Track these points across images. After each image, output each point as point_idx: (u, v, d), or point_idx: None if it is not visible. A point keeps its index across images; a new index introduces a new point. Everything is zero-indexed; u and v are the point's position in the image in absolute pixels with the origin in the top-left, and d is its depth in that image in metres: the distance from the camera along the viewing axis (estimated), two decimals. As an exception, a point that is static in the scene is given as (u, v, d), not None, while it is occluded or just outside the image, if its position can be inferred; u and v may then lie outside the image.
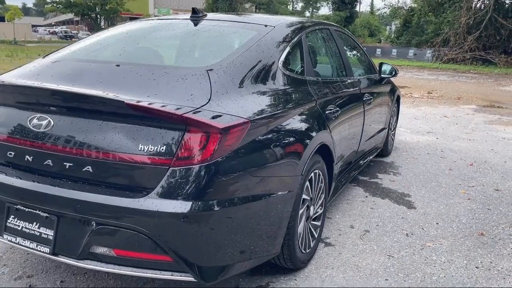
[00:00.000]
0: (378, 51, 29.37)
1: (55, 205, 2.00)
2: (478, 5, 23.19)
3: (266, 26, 2.80)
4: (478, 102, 10.98)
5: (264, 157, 2.13)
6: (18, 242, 2.10)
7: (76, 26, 70.75)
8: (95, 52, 2.71)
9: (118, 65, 2.31)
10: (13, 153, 2.13)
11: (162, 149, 1.85)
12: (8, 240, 2.14)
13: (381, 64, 4.56)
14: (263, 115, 2.15)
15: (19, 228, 2.11)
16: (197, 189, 1.85)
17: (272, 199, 2.19)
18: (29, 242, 2.07)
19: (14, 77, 2.38)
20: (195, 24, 2.91)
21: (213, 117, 1.90)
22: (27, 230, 2.08)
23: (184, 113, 1.84)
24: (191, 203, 1.83)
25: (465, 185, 4.41)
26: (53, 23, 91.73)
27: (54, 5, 55.82)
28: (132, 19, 67.53)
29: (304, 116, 2.56)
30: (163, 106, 1.87)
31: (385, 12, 31.13)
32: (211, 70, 2.20)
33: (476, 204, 3.89)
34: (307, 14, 72.41)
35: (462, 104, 10.47)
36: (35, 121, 2.06)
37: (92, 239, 1.94)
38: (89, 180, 1.97)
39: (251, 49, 2.45)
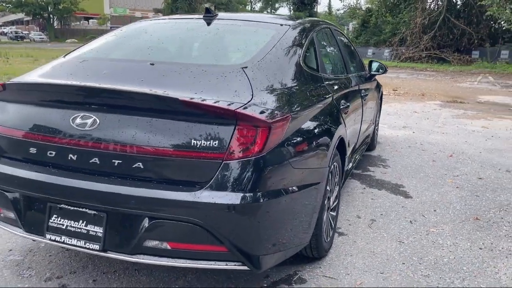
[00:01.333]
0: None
1: (104, 202, 2.02)
2: (432, 6, 24.31)
3: (281, 25, 2.91)
4: (441, 98, 11.55)
5: (301, 150, 2.24)
6: (63, 241, 2.10)
7: (27, 26, 67.91)
8: (121, 51, 2.72)
9: (152, 64, 2.35)
10: (53, 152, 2.13)
11: (215, 144, 1.92)
12: (51, 240, 2.13)
13: (370, 62, 4.79)
14: (298, 110, 2.27)
15: (64, 227, 2.11)
16: (249, 181, 1.93)
17: (309, 190, 2.31)
18: (75, 240, 2.08)
19: (44, 77, 2.37)
20: (211, 24, 2.98)
21: (261, 112, 1.99)
22: (73, 229, 2.09)
23: (236, 109, 1.92)
24: (244, 194, 1.91)
25: (450, 175, 4.70)
26: (0, 23, 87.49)
27: (4, 4, 53.31)
28: (87, 18, 65.70)
29: (326, 111, 2.69)
30: (216, 102, 1.95)
31: (343, 13, 31.92)
32: (246, 67, 2.29)
33: (465, 192, 4.17)
34: (265, 13, 72.81)
35: (427, 100, 10.98)
36: (78, 120, 2.06)
37: (146, 233, 1.98)
38: (140, 176, 2.00)
39: (276, 47, 2.56)
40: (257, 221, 1.96)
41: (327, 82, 2.99)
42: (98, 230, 2.05)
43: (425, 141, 6.30)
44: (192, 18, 3.18)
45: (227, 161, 1.92)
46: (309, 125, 2.38)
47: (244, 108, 1.95)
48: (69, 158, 2.10)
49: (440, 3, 23.45)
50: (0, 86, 2.25)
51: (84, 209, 2.08)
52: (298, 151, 2.21)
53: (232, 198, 1.90)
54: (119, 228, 2.04)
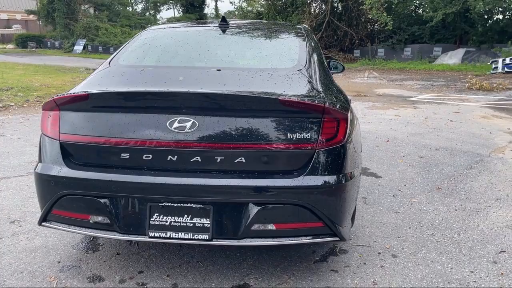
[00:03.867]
0: (233, 52, 30.95)
1: (211, 195, 2.25)
2: (317, 10, 26.37)
3: (296, 32, 3.31)
4: (347, 93, 12.81)
5: (355, 138, 2.69)
6: (169, 236, 2.27)
7: None
8: (171, 58, 2.88)
9: (219, 70, 2.59)
10: (150, 155, 2.28)
11: (308, 136, 2.27)
12: (155, 237, 2.28)
13: (329, 61, 5.38)
14: (347, 103, 2.71)
15: (167, 224, 2.27)
16: (337, 165, 2.33)
17: (359, 171, 2.76)
18: (183, 234, 2.26)
19: (119, 85, 2.46)
20: (235, 31, 3.27)
21: (339, 107, 2.39)
22: (178, 224, 2.27)
23: (324, 104, 2.29)
24: (335, 176, 2.30)
25: (397, 156, 5.53)
26: None
27: None
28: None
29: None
30: (308, 100, 2.29)
31: (235, 15, 32.89)
32: (301, 70, 2.67)
33: (417, 169, 4.99)
34: (147, 15, 71.23)
35: (336, 96, 12.13)
36: (176, 123, 2.24)
37: (254, 218, 2.25)
38: (243, 169, 2.27)
39: (309, 52, 2.96)
40: (344, 197, 2.36)
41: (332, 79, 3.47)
42: (205, 222, 2.26)
43: (361, 131, 7.15)
44: (210, 25, 3.42)
45: (319, 149, 2.28)
46: (352, 116, 2.84)
47: (329, 104, 2.32)
48: (169, 159, 2.27)
49: (324, 7, 25.54)
50: (84, 96, 2.31)
51: (189, 204, 2.27)
52: (355, 138, 2.65)
53: (327, 180, 2.28)
54: (226, 217, 2.27)
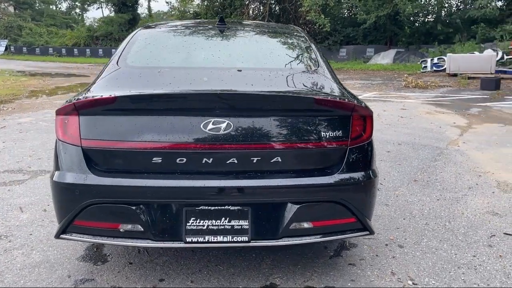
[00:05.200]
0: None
1: (249, 196, 2.23)
2: (256, 11, 26.70)
3: (297, 33, 3.35)
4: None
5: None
6: (208, 240, 2.22)
7: None
8: (184, 59, 2.79)
9: (240, 70, 2.57)
10: (184, 159, 2.21)
11: (339, 134, 2.33)
12: (192, 242, 2.22)
13: None
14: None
15: (205, 228, 2.22)
16: (367, 161, 2.41)
17: None
18: (221, 237, 2.22)
19: (141, 88, 2.35)
20: (237, 31, 3.26)
21: (365, 105, 2.47)
22: (215, 227, 2.23)
23: (353, 103, 2.36)
24: (367, 172, 2.39)
25: (367, 153, 5.77)
26: None
27: None
28: None
29: None
30: (339, 99, 2.35)
31: (171, 15, 32.29)
32: (316, 70, 2.72)
33: (389, 163, 5.25)
34: (72, 13, 68.17)
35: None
36: (210, 125, 2.20)
37: (293, 217, 2.26)
38: (279, 169, 2.27)
39: (316, 52, 3.02)
40: (373, 192, 2.45)
41: None
42: (244, 223, 2.24)
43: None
44: (210, 25, 3.36)
45: (351, 147, 2.35)
46: None
47: (357, 103, 2.40)
48: (204, 162, 2.22)
49: (262, 9, 25.93)
50: (111, 99, 2.19)
51: (226, 207, 2.23)
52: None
53: (359, 176, 2.35)
54: (265, 218, 2.26)
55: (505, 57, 17.96)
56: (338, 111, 2.33)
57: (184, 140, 2.19)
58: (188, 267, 2.75)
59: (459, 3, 23.86)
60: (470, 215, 3.66)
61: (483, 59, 16.72)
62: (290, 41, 3.22)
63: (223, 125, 2.20)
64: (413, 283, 2.61)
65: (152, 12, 46.88)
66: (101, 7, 50.09)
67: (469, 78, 15.49)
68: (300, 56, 2.95)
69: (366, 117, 2.42)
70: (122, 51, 2.83)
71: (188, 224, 2.22)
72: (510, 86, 14.01)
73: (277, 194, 2.25)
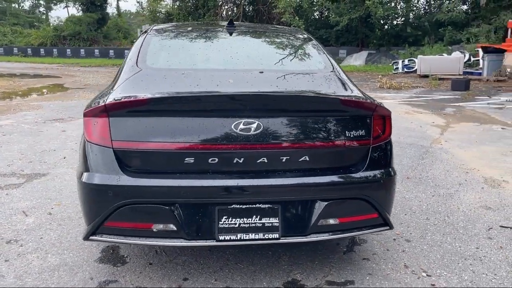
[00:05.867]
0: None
1: (279, 195, 2.30)
2: (229, 13, 26.76)
3: (305, 38, 3.44)
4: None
5: None
6: (240, 238, 2.27)
7: None
8: (204, 61, 2.82)
9: (261, 72, 2.64)
10: (216, 159, 2.26)
11: (363, 133, 2.43)
12: (225, 240, 2.27)
13: None
14: None
15: (236, 226, 2.28)
16: (387, 159, 2.53)
17: None
18: (253, 234, 2.28)
19: (164, 88, 2.38)
20: (247, 33, 3.32)
21: (383, 105, 2.58)
22: (247, 225, 2.28)
23: (375, 103, 2.47)
24: (388, 169, 2.50)
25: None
26: None
27: None
28: None
29: None
30: (362, 99, 2.45)
31: (143, 15, 31.93)
32: (332, 71, 2.82)
33: (380, 162, 5.42)
34: (37, 12, 66.33)
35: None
36: (241, 126, 2.25)
37: (321, 214, 2.34)
38: (307, 167, 2.35)
39: (327, 55, 3.12)
40: (393, 189, 2.57)
41: None
42: (274, 221, 2.30)
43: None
44: (221, 28, 3.41)
45: (373, 145, 2.46)
46: None
47: (377, 102, 2.50)
48: (235, 162, 2.27)
49: (236, 10, 26.01)
50: (143, 101, 2.21)
51: (257, 205, 2.29)
52: None
53: (382, 173, 2.46)
54: (294, 215, 2.34)
55: (472, 59, 18.72)
56: (361, 111, 2.43)
57: (216, 141, 2.24)
58: (209, 266, 2.79)
59: (426, 7, 24.67)
60: (466, 210, 3.85)
61: (451, 61, 17.38)
62: (300, 43, 3.30)
63: (254, 126, 2.26)
64: (427, 275, 2.74)
65: (121, 11, 46.10)
66: (67, 6, 48.83)
67: (439, 79, 16.05)
68: (314, 58, 3.04)
69: (385, 117, 2.53)
70: (139, 53, 2.84)
71: (220, 222, 2.27)
72: (478, 86, 14.63)
73: (306, 191, 2.32)
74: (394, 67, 19.86)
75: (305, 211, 2.35)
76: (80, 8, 39.07)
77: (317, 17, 26.38)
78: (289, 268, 2.80)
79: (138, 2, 31.87)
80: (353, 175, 2.39)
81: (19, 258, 2.86)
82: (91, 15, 35.85)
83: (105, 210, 2.23)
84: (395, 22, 25.00)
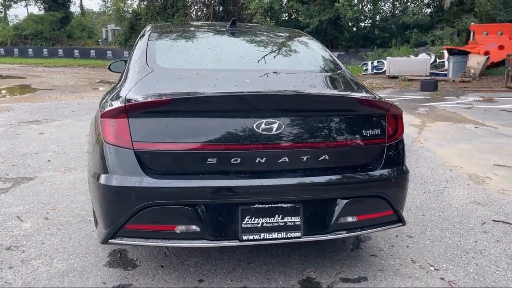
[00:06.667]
0: (109, 53, 29.46)
1: (301, 194, 2.33)
2: (199, 13, 26.58)
3: (307, 38, 3.48)
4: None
5: None
6: (263, 237, 2.28)
7: None
8: (215, 62, 2.80)
9: (275, 72, 2.65)
10: (239, 159, 2.25)
11: (378, 132, 2.49)
12: (249, 240, 2.27)
13: None
14: None
15: (259, 225, 2.28)
16: (401, 157, 2.60)
17: None
18: (276, 234, 2.29)
19: (182, 89, 2.36)
20: (250, 34, 3.32)
21: (396, 105, 2.64)
22: (269, 224, 2.29)
23: (389, 102, 2.53)
24: (401, 167, 2.57)
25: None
26: None
27: None
28: None
29: None
30: (378, 98, 2.50)
31: (109, 15, 31.22)
32: (342, 71, 2.88)
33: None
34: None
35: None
36: (263, 126, 2.26)
37: (341, 212, 2.38)
38: (326, 166, 2.38)
39: (332, 56, 3.17)
40: (407, 186, 2.64)
41: None
42: (296, 220, 2.32)
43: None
44: (223, 28, 3.39)
45: (388, 144, 2.52)
46: None
47: (390, 102, 2.57)
48: (257, 162, 2.28)
49: (206, 10, 25.88)
50: (166, 101, 2.18)
51: (279, 204, 2.30)
52: None
53: (397, 171, 2.53)
54: (315, 214, 2.36)
55: (438, 60, 19.37)
56: (376, 110, 2.49)
57: (239, 141, 2.24)
58: (222, 267, 2.78)
59: (393, 10, 25.35)
60: (458, 206, 3.99)
61: (419, 62, 17.93)
62: (304, 44, 3.34)
63: (275, 125, 2.27)
64: (435, 269, 2.83)
65: (85, 10, 44.94)
66: (28, 5, 47.13)
67: (408, 80, 16.53)
68: (321, 58, 3.08)
69: (398, 116, 2.60)
70: (147, 53, 2.78)
71: (243, 222, 2.26)
72: (445, 87, 15.17)
73: (328, 190, 2.36)
74: (364, 68, 20.29)
75: (326, 209, 2.38)
76: (42, 6, 37.79)
77: (287, 18, 26.59)
78: (301, 267, 2.82)
79: (103, 0, 31.13)
80: (371, 173, 2.44)
81: (23, 264, 2.76)
82: (54, 13, 34.73)
83: (127, 212, 2.18)
84: (362, 24, 25.57)
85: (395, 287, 2.62)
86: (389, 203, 2.50)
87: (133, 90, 2.37)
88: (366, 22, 25.86)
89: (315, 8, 22.31)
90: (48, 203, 3.79)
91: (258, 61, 2.88)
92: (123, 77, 2.77)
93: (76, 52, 31.27)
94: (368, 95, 2.57)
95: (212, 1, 24.80)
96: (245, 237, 2.26)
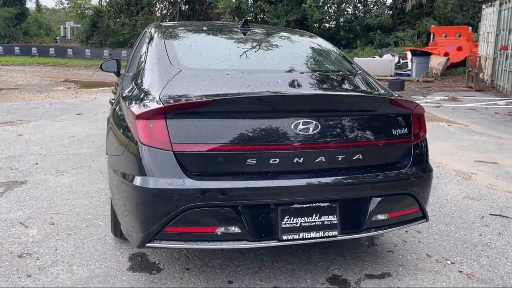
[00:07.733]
0: (70, 51, 28.45)
1: (338, 193, 2.36)
2: (165, 11, 26.14)
3: (319, 39, 3.52)
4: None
5: None
6: (302, 237, 2.30)
7: None
8: (241, 62, 2.78)
9: (302, 72, 2.67)
10: (278, 159, 2.26)
11: (405, 131, 2.56)
12: (289, 240, 2.28)
13: None
14: None
15: (298, 225, 2.30)
16: (426, 155, 2.69)
17: None
18: (314, 233, 2.32)
19: (217, 90, 2.33)
20: (264, 34, 3.33)
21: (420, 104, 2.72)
22: (307, 224, 2.31)
23: (415, 102, 2.61)
24: (426, 165, 2.66)
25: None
26: None
27: None
28: None
29: None
30: (404, 98, 2.57)
31: (69, 11, 30.15)
32: (360, 71, 2.94)
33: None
34: None
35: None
36: (300, 126, 2.28)
37: (374, 210, 2.43)
38: (361, 165, 2.43)
39: (345, 55, 3.22)
40: (432, 183, 2.73)
41: None
42: (333, 219, 2.35)
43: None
44: (236, 28, 3.38)
45: (414, 143, 2.60)
46: None
47: (415, 102, 2.64)
48: (295, 162, 2.29)
49: (171, 9, 25.50)
50: (207, 102, 2.15)
51: (317, 204, 2.33)
52: None
53: (424, 169, 2.61)
54: (351, 212, 2.40)
55: (401, 61, 20.01)
56: (404, 110, 2.56)
57: (277, 141, 2.24)
58: (248, 267, 2.77)
59: (357, 12, 25.93)
60: (454, 201, 4.16)
61: (384, 63, 18.47)
62: (319, 44, 3.38)
63: (312, 126, 2.29)
64: (451, 262, 2.94)
65: (40, 7, 43.21)
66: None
67: (375, 80, 16.96)
68: (338, 58, 3.13)
69: (421, 116, 2.69)
70: (167, 52, 2.72)
71: (283, 222, 2.27)
72: (411, 87, 15.69)
73: (362, 189, 2.40)
74: (331, 68, 20.63)
75: (360, 208, 2.42)
76: (-4, 2, 36.01)
77: (253, 19, 26.61)
78: (325, 265, 2.86)
79: (64, -3, 30.04)
80: (401, 171, 2.51)
81: (41, 272, 2.64)
82: (9, 9, 33.18)
83: (168, 215, 2.14)
84: (327, 25, 25.97)
85: (419, 281, 2.70)
86: (416, 200, 2.58)
87: (166, 90, 2.33)
88: (331, 23, 26.32)
89: (282, 9, 22.47)
90: (49, 208, 3.64)
91: (281, 61, 2.89)
92: (141, 77, 2.70)
93: (34, 50, 29.97)
94: (396, 95, 2.64)
95: (178, 0, 24.47)
96: (284, 237, 2.27)
